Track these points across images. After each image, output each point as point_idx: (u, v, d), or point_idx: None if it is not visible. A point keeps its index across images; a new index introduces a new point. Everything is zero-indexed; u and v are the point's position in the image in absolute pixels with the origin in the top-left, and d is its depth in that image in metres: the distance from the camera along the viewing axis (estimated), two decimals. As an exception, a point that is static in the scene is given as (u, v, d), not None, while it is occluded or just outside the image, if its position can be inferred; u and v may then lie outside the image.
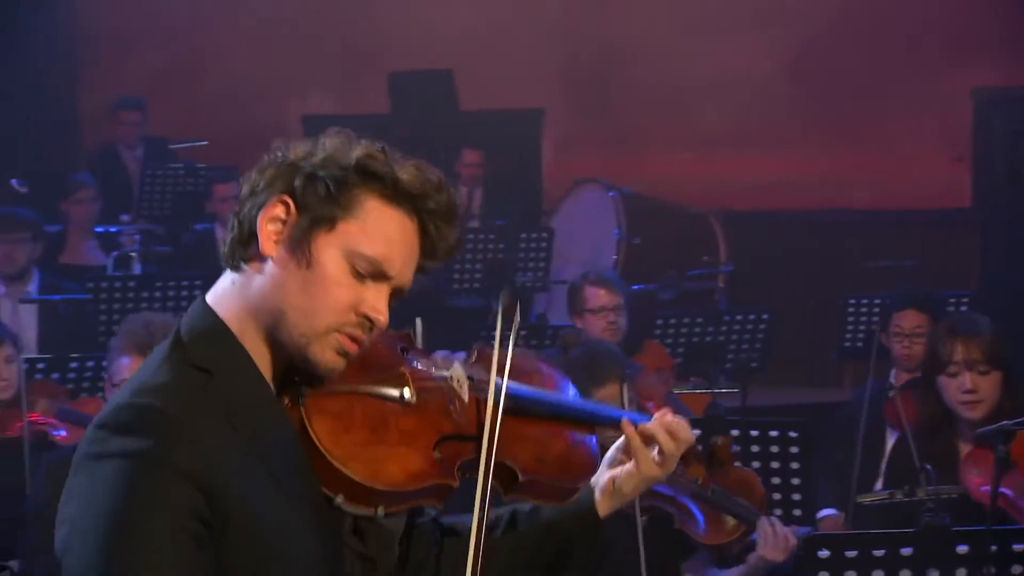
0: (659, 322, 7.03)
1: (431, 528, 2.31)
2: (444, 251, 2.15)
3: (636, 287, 7.54)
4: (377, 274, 2.06)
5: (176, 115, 10.11)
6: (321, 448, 2.03)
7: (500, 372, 2.19)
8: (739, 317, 7.38)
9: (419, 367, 2.21)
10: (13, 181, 8.24)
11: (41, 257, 7.28)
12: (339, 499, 2.03)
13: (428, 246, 2.12)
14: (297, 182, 2.04)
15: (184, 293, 6.89)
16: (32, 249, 7.02)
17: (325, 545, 2.07)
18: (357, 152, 2.07)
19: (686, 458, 2.59)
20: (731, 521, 4.33)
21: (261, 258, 2.05)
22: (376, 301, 2.06)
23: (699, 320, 7.17)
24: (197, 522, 1.93)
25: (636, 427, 2.29)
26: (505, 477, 2.19)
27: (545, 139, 10.80)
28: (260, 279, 2.06)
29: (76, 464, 1.97)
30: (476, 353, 2.31)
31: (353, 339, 2.05)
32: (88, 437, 1.97)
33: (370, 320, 2.05)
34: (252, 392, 2.07)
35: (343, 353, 2.06)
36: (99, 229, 8.36)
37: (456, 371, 2.22)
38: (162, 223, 8.74)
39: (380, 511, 2.05)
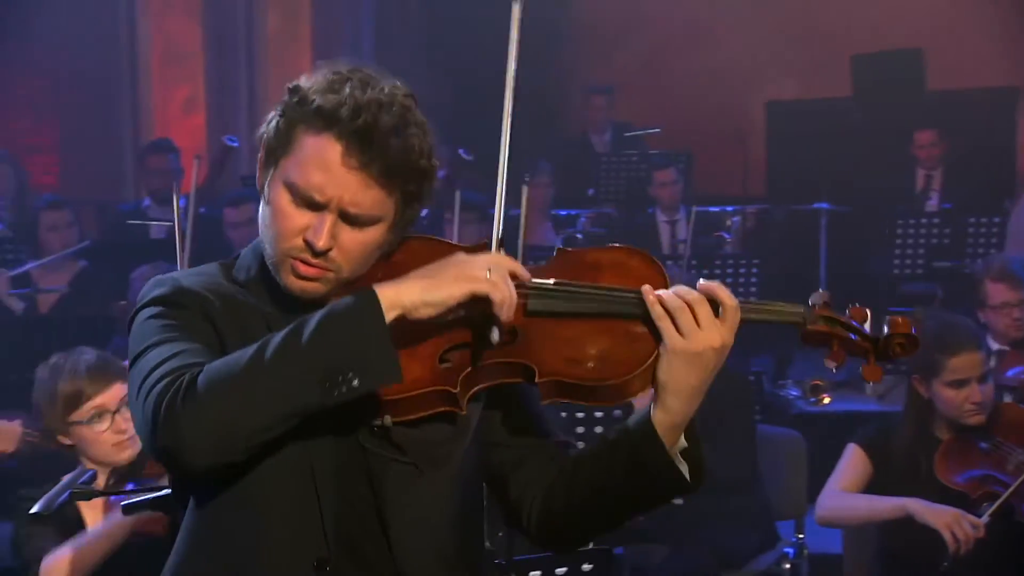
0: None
1: (555, 453, 2.37)
2: (392, 165, 2.16)
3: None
4: (310, 202, 2.17)
5: (641, 102, 10.29)
6: None
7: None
8: None
9: None
10: (460, 150, 8.59)
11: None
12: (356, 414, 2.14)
13: (370, 165, 2.15)
14: (267, 125, 2.23)
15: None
16: (477, 229, 7.12)
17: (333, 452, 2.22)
18: (294, 85, 2.22)
19: None
20: None
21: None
22: (316, 227, 2.16)
23: None
24: (202, 316, 2.25)
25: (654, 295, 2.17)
26: (525, 374, 2.17)
27: (1020, 119, 10.18)
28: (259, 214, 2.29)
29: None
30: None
31: (304, 262, 2.20)
32: None
33: (309, 243, 2.16)
34: (277, 299, 2.28)
35: (300, 276, 2.21)
36: (557, 212, 8.63)
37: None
38: (616, 207, 9.04)
39: (387, 420, 2.14)
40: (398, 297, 2.06)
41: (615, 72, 10.60)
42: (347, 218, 2.18)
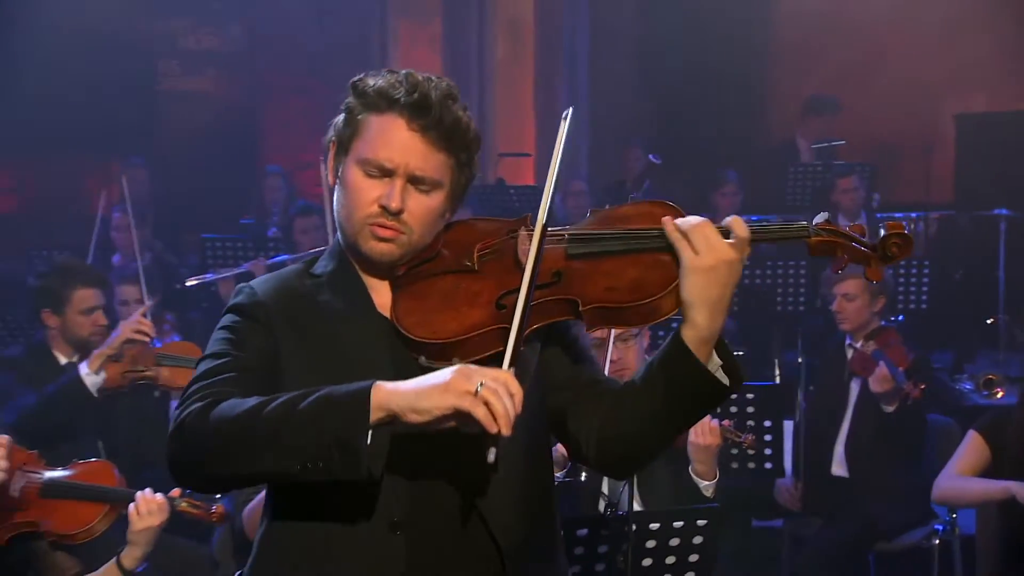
0: None
1: (604, 389, 2.42)
2: (447, 130, 2.30)
3: None
4: (382, 169, 2.32)
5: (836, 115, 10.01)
6: (396, 322, 2.29)
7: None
8: None
9: (498, 239, 2.37)
10: (651, 156, 8.53)
11: None
12: (421, 359, 2.25)
13: (430, 130, 2.29)
14: (333, 127, 2.40)
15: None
16: None
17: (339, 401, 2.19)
18: (355, 80, 2.37)
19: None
20: None
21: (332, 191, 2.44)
22: (389, 192, 2.31)
23: None
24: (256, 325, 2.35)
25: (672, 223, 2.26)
26: (571, 308, 2.27)
27: None
28: (335, 204, 2.42)
29: None
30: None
31: (381, 226, 2.33)
32: None
33: (384, 207, 2.30)
34: (339, 288, 2.39)
35: (380, 239, 2.33)
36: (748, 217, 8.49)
37: (520, 232, 2.34)
38: (803, 213, 8.79)
39: (455, 361, 2.17)
40: (388, 401, 2.08)
41: (813, 87, 10.32)
42: (414, 180, 2.32)
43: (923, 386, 5.19)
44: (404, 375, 2.15)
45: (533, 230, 2.27)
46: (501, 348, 2.20)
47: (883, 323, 5.75)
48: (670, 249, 2.25)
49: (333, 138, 2.40)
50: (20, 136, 9.60)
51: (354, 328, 2.36)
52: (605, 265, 2.29)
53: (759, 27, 10.64)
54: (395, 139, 2.30)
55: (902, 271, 7.22)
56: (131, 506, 3.58)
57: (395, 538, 2.28)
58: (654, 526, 3.56)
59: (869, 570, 5.51)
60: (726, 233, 2.24)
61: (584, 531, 3.49)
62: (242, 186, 10.47)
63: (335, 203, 2.42)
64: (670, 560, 3.58)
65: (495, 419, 2.03)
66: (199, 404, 2.20)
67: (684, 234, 2.23)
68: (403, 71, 2.36)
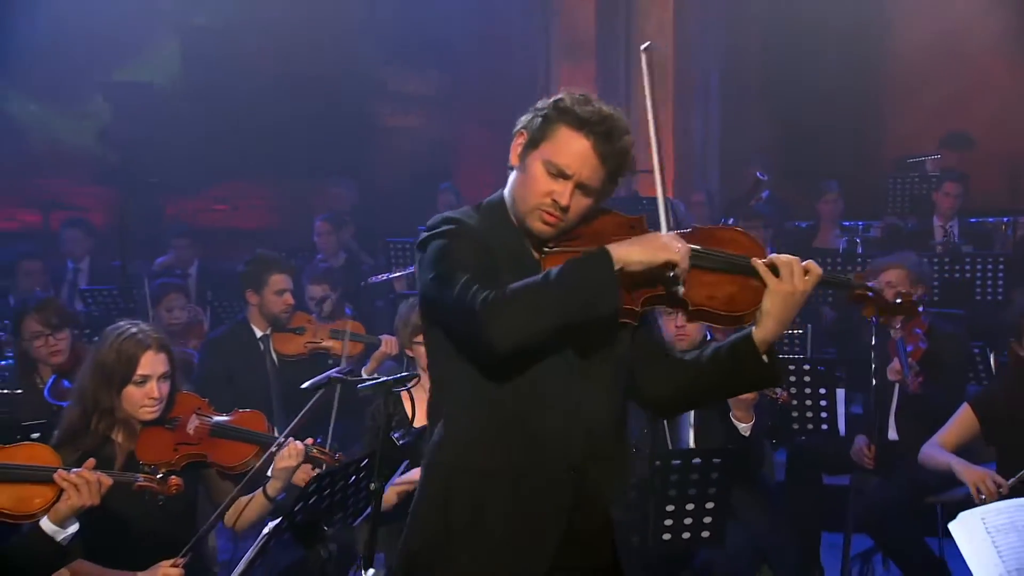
0: None
1: (669, 360, 2.73)
2: (617, 158, 2.54)
3: None
4: (561, 174, 2.53)
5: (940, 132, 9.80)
6: None
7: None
8: None
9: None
10: (758, 173, 8.47)
11: (773, 238, 7.51)
12: None
13: (606, 156, 2.53)
14: (528, 120, 2.61)
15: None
16: (762, 234, 7.10)
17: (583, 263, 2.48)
18: (558, 98, 2.59)
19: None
20: None
21: (511, 167, 2.63)
22: (561, 191, 2.53)
23: None
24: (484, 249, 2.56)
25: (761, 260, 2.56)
26: (682, 306, 2.55)
27: None
28: (511, 178, 2.63)
29: (417, 246, 2.64)
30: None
31: (550, 214, 2.55)
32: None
33: (556, 202, 2.53)
34: (504, 234, 2.62)
35: (545, 223, 2.57)
36: (844, 223, 8.46)
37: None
38: (901, 218, 8.67)
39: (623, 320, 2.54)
40: (620, 255, 2.43)
41: (922, 110, 10.13)
42: (582, 188, 2.55)
43: (920, 379, 5.06)
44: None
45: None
46: (630, 321, 2.56)
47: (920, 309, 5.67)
48: (758, 276, 2.55)
49: (524, 130, 2.61)
50: (269, 163, 10.31)
51: (522, 270, 2.55)
52: (709, 277, 2.55)
53: (873, 58, 10.49)
54: (579, 154, 2.53)
55: (979, 266, 7.10)
56: (276, 448, 3.63)
57: (571, 476, 2.58)
58: (676, 463, 3.67)
59: (936, 520, 5.47)
60: (805, 271, 2.55)
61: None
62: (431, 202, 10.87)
63: (511, 181, 2.64)
64: (692, 491, 3.68)
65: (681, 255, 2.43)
66: (484, 293, 2.43)
67: (774, 266, 2.54)
68: (596, 102, 2.58)
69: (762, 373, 2.62)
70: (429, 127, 11.97)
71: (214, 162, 10.51)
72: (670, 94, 10.19)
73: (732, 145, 10.57)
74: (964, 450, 4.61)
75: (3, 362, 5.69)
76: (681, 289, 2.46)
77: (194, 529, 3.63)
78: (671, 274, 2.45)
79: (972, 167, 8.89)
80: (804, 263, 2.56)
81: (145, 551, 3.48)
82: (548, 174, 2.55)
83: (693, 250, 2.52)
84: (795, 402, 5.04)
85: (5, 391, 4.83)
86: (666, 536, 3.71)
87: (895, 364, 5.21)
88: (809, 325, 6.50)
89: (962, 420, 4.49)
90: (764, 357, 2.58)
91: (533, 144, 2.58)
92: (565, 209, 2.54)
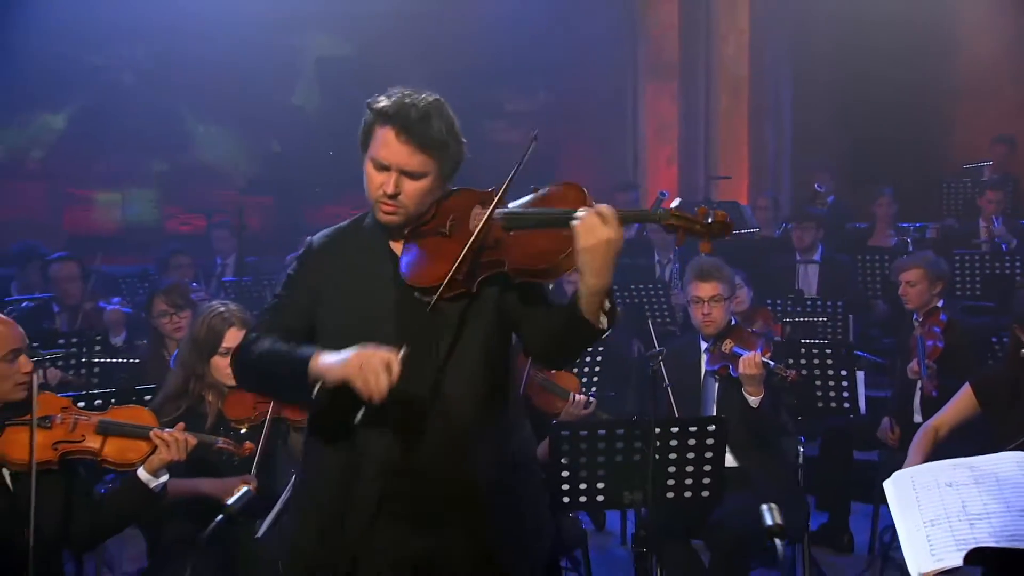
0: None
1: (540, 317, 2.55)
2: (421, 134, 2.45)
3: None
4: (382, 167, 2.49)
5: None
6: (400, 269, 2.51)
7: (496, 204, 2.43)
8: None
9: (473, 211, 2.49)
10: (817, 184, 8.34)
11: (825, 236, 7.27)
12: (415, 294, 2.47)
13: (410, 136, 2.45)
14: (360, 135, 2.56)
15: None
16: (815, 235, 7.02)
17: (402, 318, 2.48)
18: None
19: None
20: None
21: None
22: (385, 181, 2.48)
23: None
24: (310, 272, 2.56)
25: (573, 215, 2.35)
26: (498, 266, 2.43)
27: None
28: None
29: None
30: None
31: (385, 204, 2.51)
32: None
33: (385, 192, 2.48)
34: (370, 233, 2.59)
35: (386, 213, 2.52)
36: (903, 224, 8.18)
37: (476, 210, 2.49)
38: (954, 219, 8.42)
39: (432, 298, 2.43)
40: (320, 369, 2.39)
41: (989, 119, 9.77)
42: (406, 174, 2.49)
43: (935, 383, 4.92)
44: (408, 304, 2.47)
45: (486, 209, 2.44)
46: (463, 290, 2.43)
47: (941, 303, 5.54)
48: (569, 227, 2.34)
49: (361, 142, 2.57)
50: None
51: (376, 265, 2.56)
52: (524, 237, 2.43)
53: (938, 72, 10.19)
54: (388, 143, 2.48)
55: (1019, 262, 6.92)
56: None
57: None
58: (674, 430, 3.64)
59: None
60: (604, 220, 2.33)
61: (621, 431, 3.61)
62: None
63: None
64: (690, 455, 3.66)
65: (370, 391, 2.30)
66: (251, 337, 2.56)
67: (580, 221, 2.34)
68: (403, 92, 2.50)
69: (586, 329, 2.41)
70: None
71: (352, 174, 10.88)
72: (745, 109, 10.11)
73: (802, 155, 10.40)
74: (960, 428, 4.49)
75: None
76: (358, 417, 2.34)
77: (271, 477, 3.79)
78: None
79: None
80: (599, 207, 2.35)
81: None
82: (375, 170, 2.51)
83: (508, 212, 2.44)
84: (819, 383, 5.02)
85: (132, 360, 5.16)
86: (669, 495, 3.72)
87: (913, 364, 5.14)
88: (851, 316, 6.42)
89: (962, 400, 4.23)
90: (590, 309, 2.39)
91: (364, 149, 2.55)
92: (394, 196, 2.48)
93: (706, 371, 4.54)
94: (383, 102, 2.50)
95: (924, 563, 2.38)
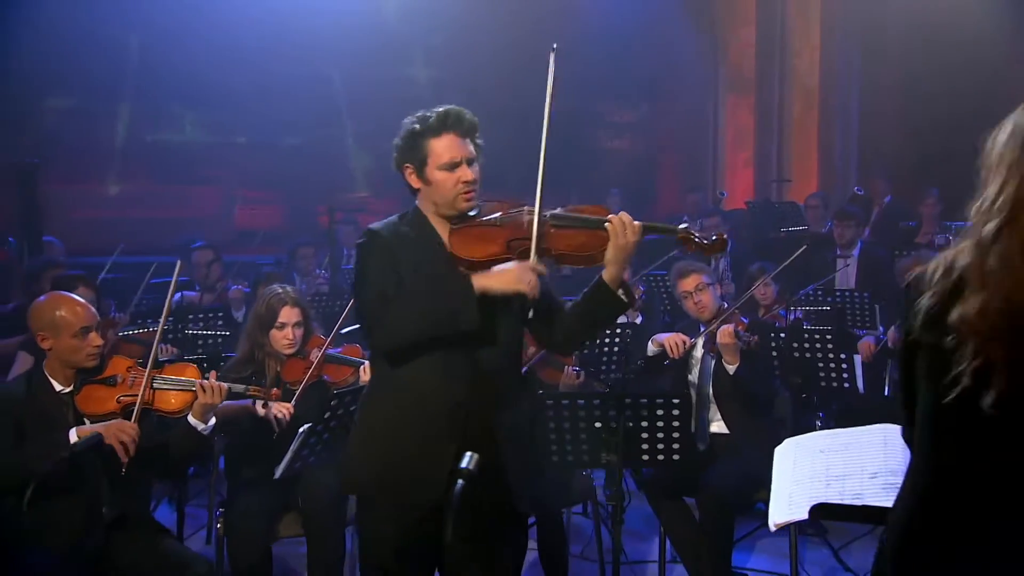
0: None
1: (558, 311, 2.78)
2: (469, 128, 2.62)
3: None
4: (455, 165, 2.63)
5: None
6: (448, 247, 2.65)
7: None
8: None
9: (512, 212, 2.66)
10: (856, 188, 8.06)
11: (872, 234, 7.16)
12: (461, 268, 2.60)
13: (465, 132, 2.62)
14: (402, 157, 2.71)
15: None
16: (855, 232, 6.84)
17: (451, 289, 2.54)
18: (408, 130, 2.65)
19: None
20: None
21: (416, 191, 2.72)
22: (462, 174, 2.62)
23: None
24: (388, 253, 2.60)
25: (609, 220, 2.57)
26: (548, 253, 2.61)
27: None
28: (421, 194, 2.70)
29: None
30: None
31: (466, 193, 2.64)
32: None
33: (466, 183, 2.62)
34: (420, 230, 2.67)
35: (468, 201, 2.65)
36: (950, 223, 7.80)
37: (526, 209, 2.63)
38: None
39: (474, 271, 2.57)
40: (481, 284, 2.51)
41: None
42: (469, 161, 2.65)
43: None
44: (455, 277, 2.56)
45: (534, 210, 2.58)
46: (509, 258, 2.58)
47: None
48: (603, 230, 2.59)
49: (408, 164, 2.69)
50: (506, 182, 10.82)
51: (430, 251, 2.65)
52: (567, 232, 2.63)
53: (996, 81, 9.66)
54: (452, 145, 2.64)
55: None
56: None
57: (458, 412, 2.59)
58: (644, 401, 3.63)
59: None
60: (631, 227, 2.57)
61: (598, 402, 3.61)
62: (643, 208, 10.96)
63: (423, 196, 2.70)
64: (660, 424, 3.64)
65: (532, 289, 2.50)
66: (375, 304, 2.56)
67: (612, 224, 2.57)
68: (427, 112, 2.64)
69: (617, 303, 2.66)
70: (635, 147, 12.14)
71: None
72: (816, 117, 9.87)
73: (867, 159, 10.05)
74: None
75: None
76: (532, 311, 2.57)
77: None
78: (526, 298, 2.51)
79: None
80: (633, 221, 2.57)
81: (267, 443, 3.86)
82: (449, 171, 2.62)
83: (553, 215, 2.60)
84: (820, 364, 4.95)
85: (220, 334, 5.46)
86: (644, 457, 3.72)
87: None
88: (877, 305, 6.24)
89: None
90: (619, 292, 2.63)
91: (422, 165, 2.64)
92: (474, 182, 2.63)
93: (703, 351, 4.58)
94: (424, 123, 2.63)
95: (780, 516, 2.42)
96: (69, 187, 9.33)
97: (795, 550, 4.09)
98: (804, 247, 5.20)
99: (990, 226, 1.50)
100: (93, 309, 3.43)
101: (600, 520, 3.87)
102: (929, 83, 9.46)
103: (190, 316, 5.73)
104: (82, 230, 8.67)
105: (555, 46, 2.50)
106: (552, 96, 2.52)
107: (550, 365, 4.47)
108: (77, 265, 6.46)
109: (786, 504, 2.46)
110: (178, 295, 6.50)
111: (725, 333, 4.32)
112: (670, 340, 4.45)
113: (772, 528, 2.42)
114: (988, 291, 1.45)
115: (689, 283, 4.61)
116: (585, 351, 4.80)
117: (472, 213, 2.70)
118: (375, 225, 2.69)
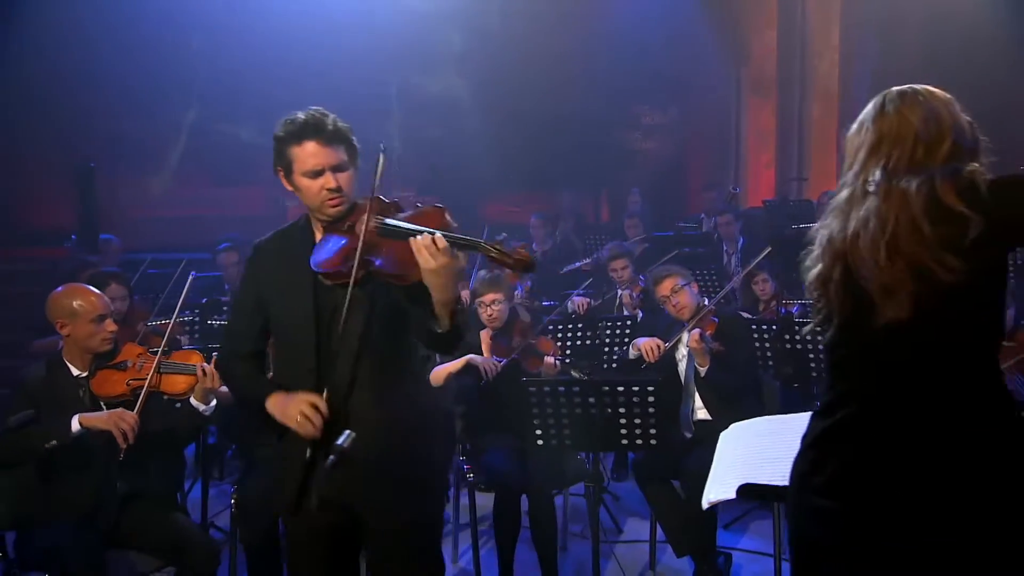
0: None
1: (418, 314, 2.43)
2: (334, 133, 2.40)
3: None
4: (318, 173, 2.44)
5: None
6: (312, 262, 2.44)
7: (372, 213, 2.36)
8: None
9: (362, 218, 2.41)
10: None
11: None
12: (319, 278, 2.44)
13: (328, 139, 2.40)
14: (275, 161, 2.53)
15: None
16: None
17: (321, 304, 2.44)
18: (275, 135, 2.46)
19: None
20: None
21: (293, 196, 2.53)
22: (325, 182, 2.43)
23: None
24: (253, 281, 2.55)
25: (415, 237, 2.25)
26: (369, 265, 2.34)
27: None
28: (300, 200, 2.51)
29: None
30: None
31: (331, 199, 2.45)
32: None
33: (330, 190, 2.43)
34: (300, 233, 2.55)
35: (334, 207, 2.46)
36: None
37: (363, 217, 2.40)
38: None
39: (330, 282, 2.41)
40: (270, 412, 2.44)
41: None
42: (334, 169, 2.46)
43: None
44: (318, 288, 2.44)
45: (373, 216, 2.39)
46: (344, 280, 2.36)
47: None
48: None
49: (278, 168, 2.50)
50: (547, 179, 10.59)
51: (300, 261, 2.49)
52: (391, 244, 2.34)
53: (1012, 83, 9.37)
54: (314, 152, 2.44)
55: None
56: None
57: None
58: (620, 388, 3.55)
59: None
60: (437, 247, 2.23)
61: (576, 388, 3.58)
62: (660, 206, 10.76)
63: (301, 201, 2.51)
64: (636, 410, 3.57)
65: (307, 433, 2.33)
66: (223, 351, 2.64)
67: (420, 247, 2.23)
68: (294, 116, 2.43)
69: (432, 328, 2.33)
70: (663, 148, 12.04)
71: (506, 180, 11.09)
72: (836, 118, 9.68)
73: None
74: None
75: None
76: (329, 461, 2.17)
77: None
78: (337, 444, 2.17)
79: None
80: (436, 239, 2.21)
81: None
82: (312, 179, 2.44)
83: (382, 222, 2.35)
84: (811, 355, 4.88)
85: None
86: (624, 441, 3.66)
87: None
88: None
89: None
90: (443, 316, 2.30)
91: (288, 171, 2.47)
92: (338, 190, 2.42)
93: (686, 350, 4.55)
94: (288, 127, 2.43)
95: (712, 494, 2.43)
96: (126, 187, 9.54)
97: (779, 532, 4.04)
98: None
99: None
100: (107, 299, 3.51)
101: (596, 502, 3.85)
102: (946, 83, 9.20)
103: (215, 311, 5.86)
104: (140, 228, 8.89)
105: (383, 146, 2.31)
106: (375, 188, 2.36)
107: (533, 355, 4.50)
108: (131, 262, 6.64)
109: (718, 484, 2.47)
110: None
111: (693, 339, 4.30)
112: (646, 345, 4.40)
113: (705, 506, 2.42)
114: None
115: (665, 287, 4.57)
116: (578, 343, 4.81)
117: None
118: (259, 239, 2.59)
